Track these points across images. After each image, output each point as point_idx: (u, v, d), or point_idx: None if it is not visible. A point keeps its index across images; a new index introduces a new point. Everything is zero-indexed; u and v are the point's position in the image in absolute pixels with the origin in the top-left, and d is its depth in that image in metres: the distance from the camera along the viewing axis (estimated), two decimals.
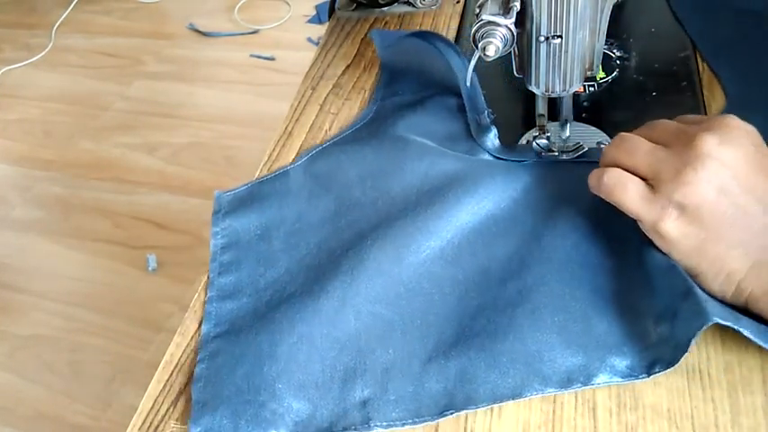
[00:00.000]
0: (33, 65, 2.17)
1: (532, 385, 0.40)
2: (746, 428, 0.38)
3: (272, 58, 2.03)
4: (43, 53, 2.20)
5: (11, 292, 1.51)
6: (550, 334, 0.42)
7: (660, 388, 0.40)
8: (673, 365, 0.39)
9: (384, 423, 0.40)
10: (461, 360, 0.41)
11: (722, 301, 0.41)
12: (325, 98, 0.64)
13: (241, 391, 0.41)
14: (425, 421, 0.40)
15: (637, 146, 0.43)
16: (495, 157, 0.54)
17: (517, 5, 0.45)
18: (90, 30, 2.29)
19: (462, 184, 0.50)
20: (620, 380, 0.40)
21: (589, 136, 0.55)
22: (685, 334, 0.39)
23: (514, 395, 0.40)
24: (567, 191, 0.50)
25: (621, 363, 0.40)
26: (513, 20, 0.45)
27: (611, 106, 0.59)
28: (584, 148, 0.52)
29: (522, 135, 0.57)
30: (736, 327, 0.38)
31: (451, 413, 0.40)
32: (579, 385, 0.40)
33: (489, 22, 0.45)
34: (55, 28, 2.29)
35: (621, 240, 0.46)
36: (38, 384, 1.34)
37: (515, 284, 0.45)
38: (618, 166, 0.44)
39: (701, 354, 0.41)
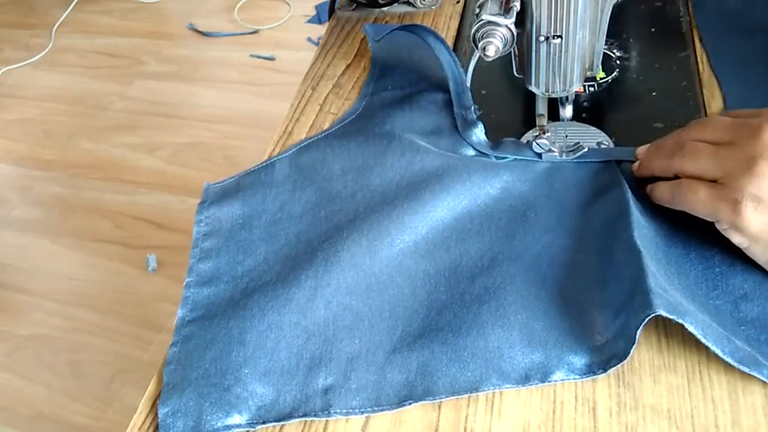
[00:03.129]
0: (33, 65, 2.17)
1: (490, 380, 0.41)
2: (746, 428, 0.38)
3: (272, 58, 2.03)
4: (43, 53, 2.20)
5: (11, 292, 1.51)
6: (512, 331, 0.42)
7: (660, 388, 0.40)
8: (625, 359, 0.39)
9: (344, 410, 0.41)
10: (424, 352, 0.42)
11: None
12: (325, 98, 0.64)
13: (208, 375, 0.42)
14: (384, 410, 0.41)
15: (698, 150, 0.43)
16: (478, 151, 0.54)
17: (517, 5, 0.45)
18: (90, 30, 2.29)
19: (440, 180, 0.51)
20: (578, 377, 0.40)
21: (589, 136, 0.55)
22: (634, 326, 0.39)
23: (472, 389, 0.40)
24: (545, 189, 0.51)
25: (580, 361, 0.41)
26: (513, 20, 0.45)
27: (611, 106, 0.59)
28: (583, 148, 0.52)
29: (523, 135, 0.57)
30: (680, 320, 0.38)
31: (410, 403, 0.40)
32: (537, 382, 0.40)
33: (489, 22, 0.45)
34: (55, 28, 2.30)
35: (591, 238, 0.46)
36: (38, 384, 1.34)
37: (484, 281, 0.45)
38: (683, 174, 0.44)
39: (701, 353, 0.41)
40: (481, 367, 0.41)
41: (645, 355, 0.41)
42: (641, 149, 0.50)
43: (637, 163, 0.49)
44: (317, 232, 0.50)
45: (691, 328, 0.38)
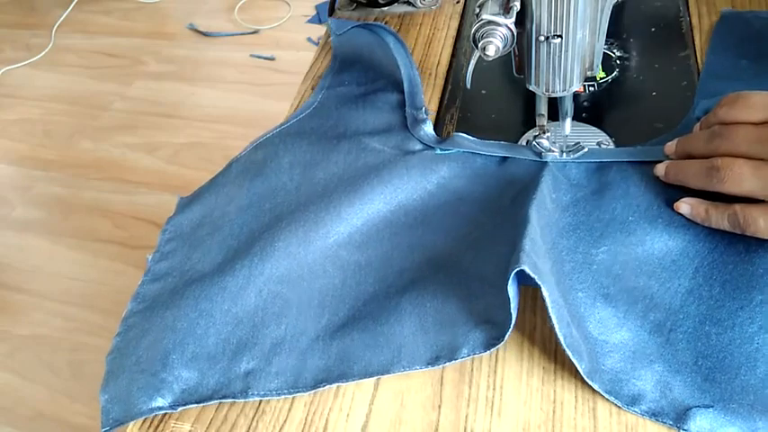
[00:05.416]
0: (33, 65, 2.17)
1: (401, 363, 0.42)
2: None
3: (272, 58, 2.03)
4: (43, 53, 2.20)
5: (11, 292, 1.51)
6: (426, 317, 0.43)
7: None
8: (512, 321, 0.40)
9: (261, 392, 0.42)
10: (345, 341, 0.43)
11: None
12: None
13: (140, 362, 0.44)
14: (299, 392, 0.42)
15: (740, 172, 0.43)
16: (425, 145, 0.55)
17: (517, 5, 0.45)
18: (90, 30, 2.29)
19: (379, 174, 0.52)
20: (482, 351, 0.41)
21: (589, 136, 0.55)
22: (510, 288, 0.40)
23: (383, 372, 0.42)
24: (479, 186, 0.52)
25: (485, 336, 0.42)
26: (513, 20, 0.45)
27: (611, 106, 0.59)
28: (583, 148, 0.52)
29: (523, 135, 0.57)
30: (539, 282, 0.39)
31: (324, 386, 0.42)
32: (444, 361, 0.41)
33: (489, 22, 0.45)
34: (55, 28, 2.29)
35: (508, 230, 0.47)
36: (38, 384, 1.34)
37: (411, 275, 0.47)
38: (726, 193, 0.44)
39: None
40: (394, 351, 0.42)
41: None
42: (669, 148, 0.50)
43: (663, 169, 0.49)
44: (259, 223, 0.51)
45: (546, 294, 0.39)
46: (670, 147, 0.50)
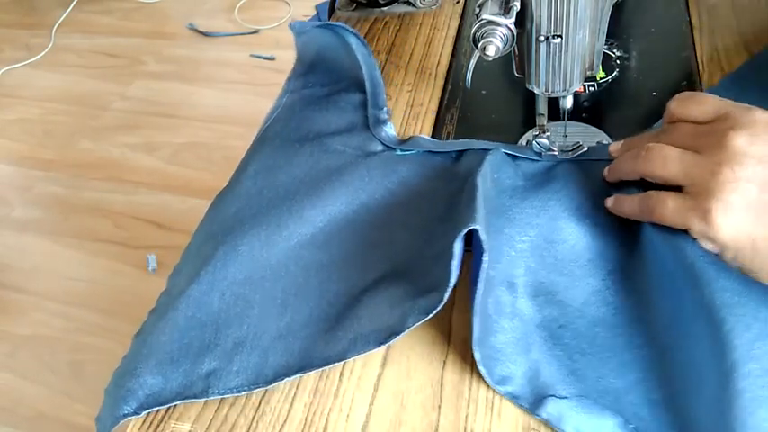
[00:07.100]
0: (33, 65, 2.18)
1: (355, 347, 0.42)
2: None
3: (272, 58, 2.03)
4: (43, 53, 2.20)
5: (11, 292, 1.51)
6: (384, 306, 0.44)
7: None
8: (452, 279, 0.40)
9: (222, 390, 0.42)
10: (307, 340, 0.44)
11: None
12: None
13: (115, 379, 0.45)
14: (258, 387, 0.42)
15: (666, 154, 0.43)
16: (385, 146, 0.56)
17: (517, 5, 0.45)
18: (90, 30, 2.29)
19: (341, 176, 0.52)
20: (424, 317, 0.41)
21: (589, 136, 0.55)
22: (456, 246, 0.41)
23: (339, 359, 0.42)
24: (439, 183, 0.52)
25: (428, 303, 0.42)
26: (513, 20, 0.45)
27: (611, 106, 0.59)
28: (583, 148, 0.52)
29: (522, 135, 0.57)
30: (484, 245, 0.40)
31: (283, 380, 0.42)
32: (395, 336, 0.42)
33: (489, 22, 0.45)
34: (55, 28, 2.30)
35: (458, 214, 0.47)
36: (38, 384, 1.34)
37: (373, 272, 0.47)
38: (649, 177, 0.44)
39: None
40: (350, 340, 0.43)
41: None
42: (614, 147, 0.50)
43: (608, 168, 0.49)
44: (223, 229, 0.51)
45: (485, 263, 0.40)
46: (615, 146, 0.50)
